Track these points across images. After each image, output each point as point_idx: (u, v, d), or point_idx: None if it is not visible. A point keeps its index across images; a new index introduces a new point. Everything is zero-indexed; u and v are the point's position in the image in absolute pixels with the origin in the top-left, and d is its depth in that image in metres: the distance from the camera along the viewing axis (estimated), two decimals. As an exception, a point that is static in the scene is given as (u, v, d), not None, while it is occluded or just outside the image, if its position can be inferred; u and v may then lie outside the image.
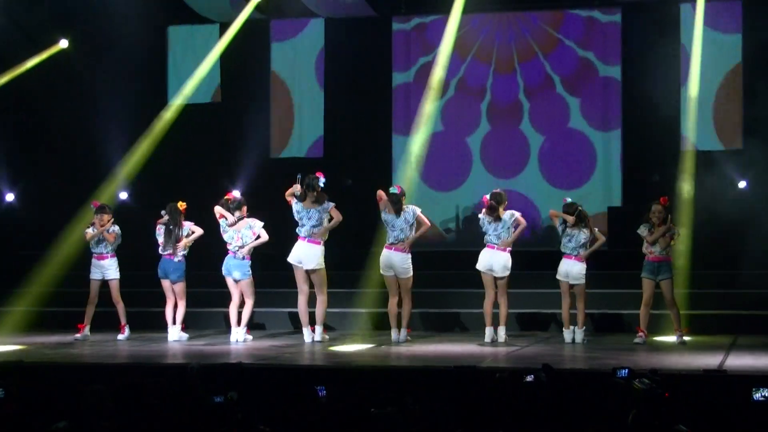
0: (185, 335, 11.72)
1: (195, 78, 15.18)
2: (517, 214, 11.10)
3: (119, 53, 15.19)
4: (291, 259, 11.27)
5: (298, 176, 11.24)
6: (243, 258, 11.49)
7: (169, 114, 14.86)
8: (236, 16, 14.89)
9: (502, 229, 11.05)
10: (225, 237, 11.55)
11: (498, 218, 11.03)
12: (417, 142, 14.19)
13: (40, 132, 15.12)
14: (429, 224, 11.35)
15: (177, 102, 15.26)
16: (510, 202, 11.47)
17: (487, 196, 11.20)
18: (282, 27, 15.41)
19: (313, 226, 11.13)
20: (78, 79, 15.15)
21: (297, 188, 11.19)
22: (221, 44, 14.90)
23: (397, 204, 11.14)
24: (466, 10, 14.14)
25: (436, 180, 14.71)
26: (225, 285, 11.71)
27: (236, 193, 11.90)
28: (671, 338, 10.89)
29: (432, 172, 14.61)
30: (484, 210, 11.17)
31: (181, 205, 11.73)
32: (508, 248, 11.09)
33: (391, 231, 11.17)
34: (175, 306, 11.80)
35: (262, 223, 11.57)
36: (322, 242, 11.20)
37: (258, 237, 11.55)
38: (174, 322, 11.76)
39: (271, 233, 11.64)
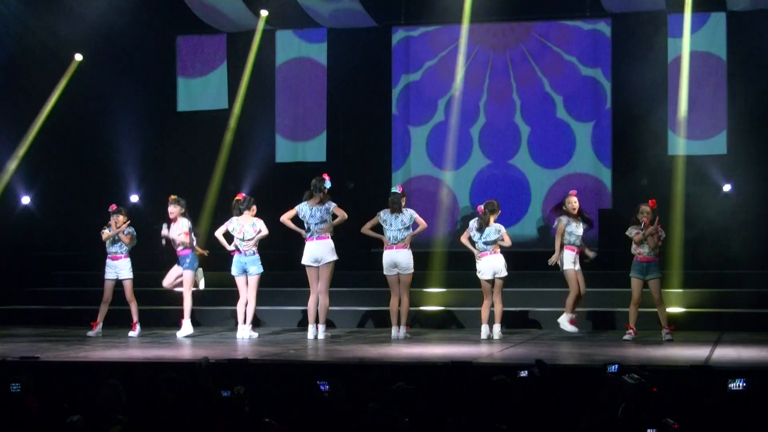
0: (191, 329, 11.77)
1: (204, 86, 15.50)
2: (503, 230, 11.38)
3: (130, 62, 15.35)
4: (306, 260, 11.43)
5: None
6: (253, 253, 11.70)
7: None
8: (242, 26, 15.16)
9: (488, 237, 11.35)
10: (229, 228, 11.67)
11: (487, 225, 11.32)
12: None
13: (54, 137, 15.28)
14: (425, 224, 11.66)
15: (187, 109, 15.57)
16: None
17: (482, 206, 11.50)
18: (287, 37, 15.60)
19: (317, 224, 11.36)
20: (91, 87, 15.21)
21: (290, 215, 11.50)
22: (250, 59, 15.04)
23: (396, 204, 11.45)
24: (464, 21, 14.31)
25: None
26: (232, 284, 11.87)
27: None
28: (659, 335, 11.04)
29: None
30: (476, 218, 11.45)
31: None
32: (497, 250, 11.42)
33: (389, 230, 11.45)
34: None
35: (263, 222, 11.78)
36: (329, 236, 11.46)
37: (259, 231, 11.72)
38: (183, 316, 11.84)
39: (278, 236, 11.87)
